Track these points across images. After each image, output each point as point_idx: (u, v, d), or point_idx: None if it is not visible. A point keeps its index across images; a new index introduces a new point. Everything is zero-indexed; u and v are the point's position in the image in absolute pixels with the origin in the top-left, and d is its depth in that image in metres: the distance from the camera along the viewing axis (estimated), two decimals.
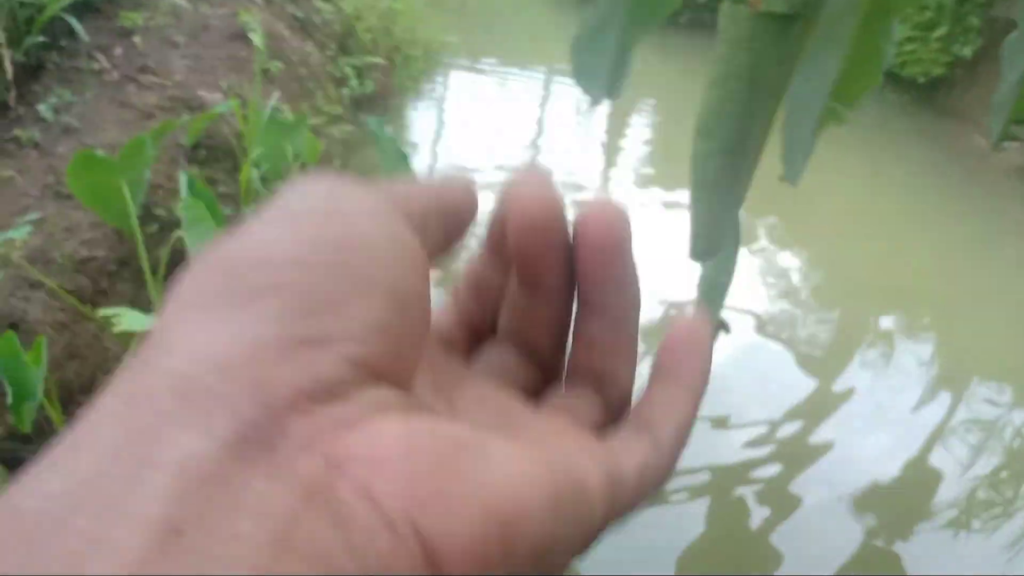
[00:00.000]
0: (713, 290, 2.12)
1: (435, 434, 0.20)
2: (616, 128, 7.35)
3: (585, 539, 0.23)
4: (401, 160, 3.09)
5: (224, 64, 4.16)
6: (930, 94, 7.83)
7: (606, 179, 5.99)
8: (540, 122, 7.07)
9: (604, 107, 7.62)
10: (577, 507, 0.22)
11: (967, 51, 7.24)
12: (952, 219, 5.91)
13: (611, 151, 6.80)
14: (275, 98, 3.41)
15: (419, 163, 5.56)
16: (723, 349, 3.47)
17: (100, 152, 2.49)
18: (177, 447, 0.17)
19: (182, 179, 2.38)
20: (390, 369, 0.21)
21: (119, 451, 0.17)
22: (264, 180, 3.17)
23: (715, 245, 1.96)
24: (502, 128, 6.52)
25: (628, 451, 0.27)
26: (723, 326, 2.34)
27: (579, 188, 5.41)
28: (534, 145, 6.41)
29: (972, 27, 7.41)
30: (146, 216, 2.79)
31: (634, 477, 0.26)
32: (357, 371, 0.20)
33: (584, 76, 2.07)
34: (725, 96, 1.78)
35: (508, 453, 0.21)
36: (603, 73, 2.08)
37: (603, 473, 0.24)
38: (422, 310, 0.24)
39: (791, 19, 1.73)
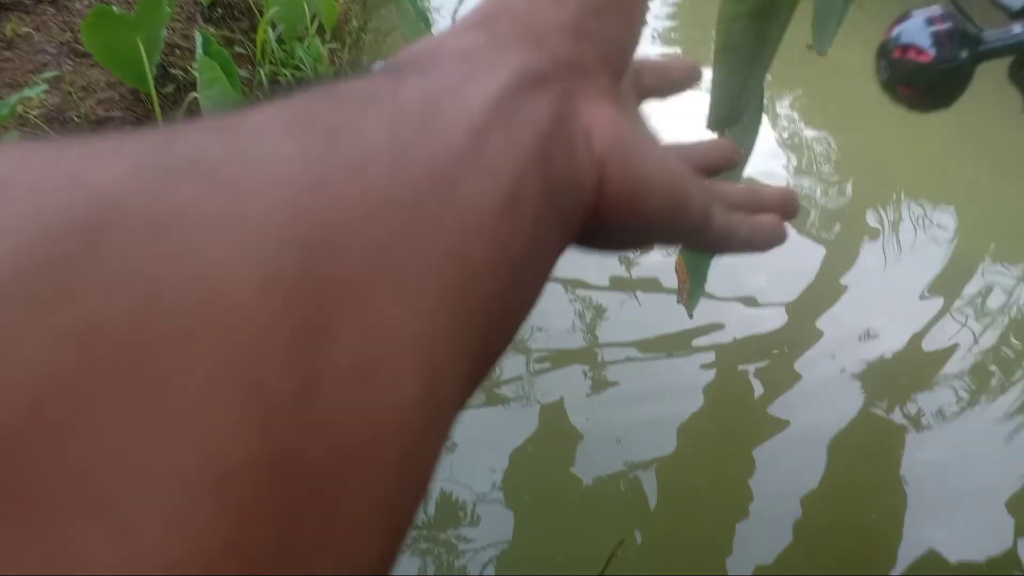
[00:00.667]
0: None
1: (628, 115, 0.29)
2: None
3: (670, 235, 0.33)
4: (422, 21, 3.02)
5: None
6: None
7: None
8: None
9: None
10: (677, 208, 0.30)
11: None
12: (992, 98, 5.70)
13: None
14: None
15: (442, 23, 5.43)
16: None
17: (116, 9, 2.44)
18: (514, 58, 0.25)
19: (198, 38, 2.35)
20: (617, 67, 0.30)
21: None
22: (280, 40, 3.12)
23: (736, 114, 1.92)
24: None
25: (723, 194, 0.37)
26: None
27: None
28: None
29: None
30: (162, 76, 2.77)
31: (721, 217, 0.34)
32: (604, 63, 0.29)
33: None
34: None
35: (656, 149, 0.30)
36: None
37: (701, 199, 0.32)
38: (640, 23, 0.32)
39: None
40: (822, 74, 5.32)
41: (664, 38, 6.07)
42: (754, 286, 3.45)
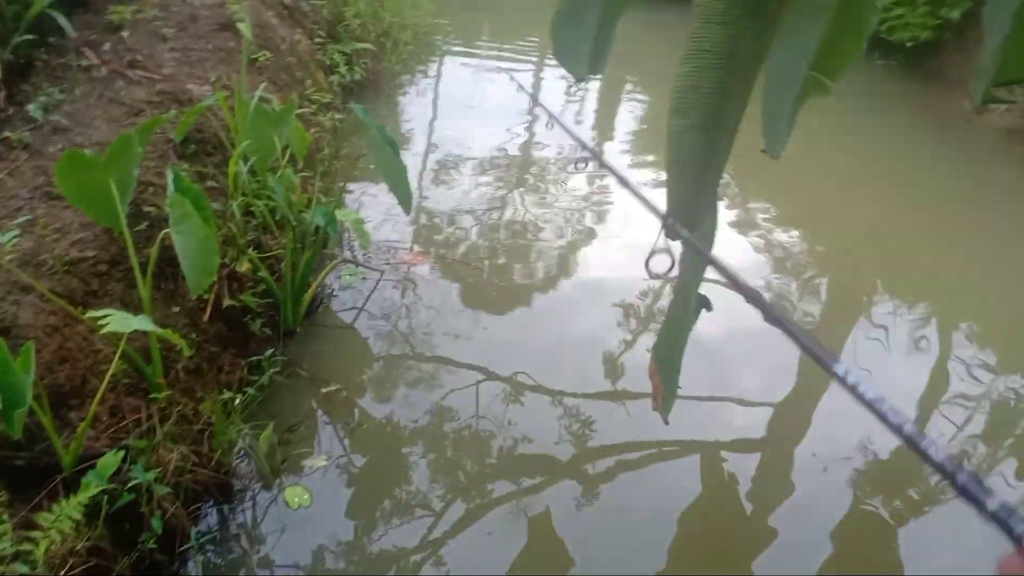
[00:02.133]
0: (694, 269, 2.14)
1: None
2: (608, 105, 7.34)
3: None
4: (389, 147, 3.10)
5: (213, 55, 4.17)
6: (918, 58, 7.79)
7: (600, 155, 5.97)
8: (533, 99, 7.06)
9: (595, 84, 7.62)
10: None
11: (955, 14, 7.20)
12: (942, 183, 5.90)
13: (603, 128, 6.80)
14: (262, 88, 3.42)
15: (415, 146, 5.58)
16: (721, 326, 3.51)
17: (88, 151, 2.51)
18: None
19: (168, 176, 2.40)
20: None
21: None
22: (253, 172, 3.19)
23: (693, 222, 1.97)
24: (495, 107, 6.51)
25: None
26: (705, 304, 2.37)
27: (571, 167, 5.44)
28: (528, 123, 6.40)
29: None
30: (136, 214, 2.82)
31: None
32: None
33: (565, 55, 2.08)
34: (699, 72, 1.78)
35: None
36: (584, 51, 2.09)
37: None
38: None
39: None
40: (788, 172, 5.50)
41: (633, 149, 6.27)
42: (741, 386, 3.46)
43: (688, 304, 2.29)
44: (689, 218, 1.89)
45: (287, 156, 3.39)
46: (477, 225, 4.55)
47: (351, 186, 4.60)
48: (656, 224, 1.60)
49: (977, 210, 5.56)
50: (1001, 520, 0.59)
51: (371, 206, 4.45)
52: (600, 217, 4.85)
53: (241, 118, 3.19)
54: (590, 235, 4.62)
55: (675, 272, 1.59)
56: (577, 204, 4.98)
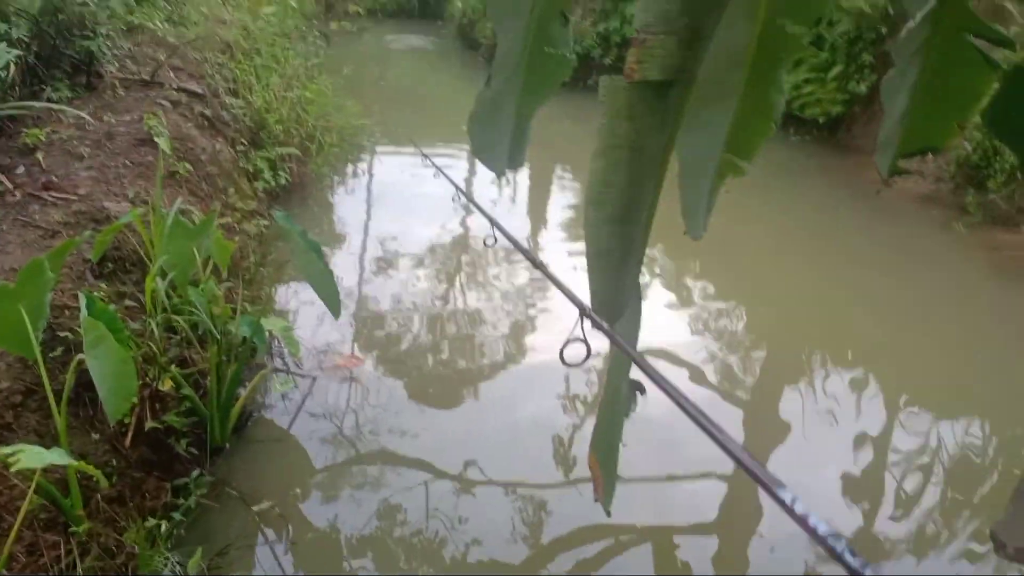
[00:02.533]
0: (621, 358, 2.13)
1: None
2: (539, 192, 7.48)
3: None
4: (313, 252, 3.08)
5: (131, 172, 4.13)
6: (831, 132, 8.15)
7: (534, 246, 6.06)
8: (465, 193, 7.15)
9: (525, 172, 7.77)
10: None
11: (863, 88, 7.58)
12: (861, 251, 6.10)
13: (536, 215, 6.90)
14: (180, 202, 3.39)
15: (351, 244, 5.58)
16: (666, 404, 3.52)
17: None
18: None
19: (81, 299, 2.33)
20: None
21: None
22: (174, 287, 3.12)
23: (616, 311, 1.97)
24: (429, 201, 6.57)
25: None
26: (638, 389, 2.35)
27: (509, 256, 5.49)
28: (460, 216, 6.46)
29: (866, 64, 7.75)
30: (51, 340, 2.72)
31: None
32: None
33: (483, 152, 2.10)
34: (610, 166, 1.80)
35: None
36: (502, 147, 2.11)
37: None
38: None
39: (668, 85, 1.75)
40: (714, 249, 5.63)
41: (568, 234, 6.37)
42: (692, 464, 3.47)
43: (620, 392, 2.28)
44: (612, 308, 1.90)
45: (209, 267, 3.34)
46: (419, 318, 4.55)
47: (286, 290, 4.56)
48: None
49: (900, 274, 5.74)
50: None
51: (307, 309, 4.39)
52: (541, 303, 4.89)
53: (158, 233, 3.14)
54: (532, 321, 4.65)
55: (591, 361, 1.59)
56: (517, 291, 5.02)
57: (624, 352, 1.89)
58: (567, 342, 1.53)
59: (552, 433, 3.57)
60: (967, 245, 6.06)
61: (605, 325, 1.57)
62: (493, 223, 2.36)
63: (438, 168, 3.86)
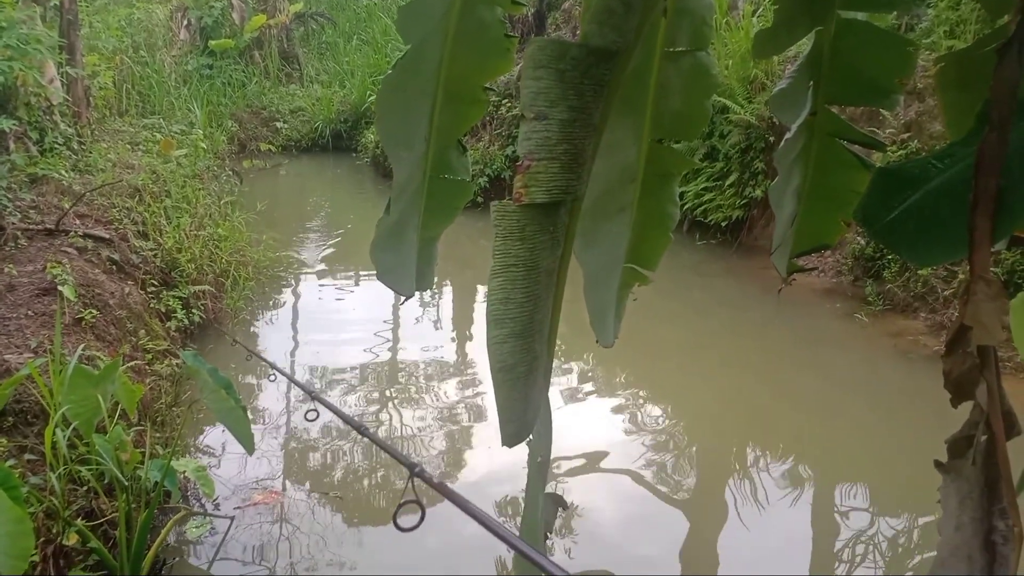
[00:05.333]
0: (537, 473, 2.14)
1: None
2: (463, 311, 7.55)
3: None
4: (222, 388, 3.05)
5: (33, 322, 4.04)
6: (734, 235, 8.52)
7: (464, 368, 6.08)
8: (392, 317, 7.19)
9: (448, 294, 7.86)
10: None
11: (759, 192, 7.98)
12: (774, 345, 6.32)
13: (461, 333, 6.95)
14: (83, 348, 3.33)
15: (269, 377, 5.51)
16: (617, 511, 3.58)
17: None
18: None
19: None
20: None
21: None
22: (79, 437, 3.03)
23: (525, 428, 1.98)
24: (347, 332, 6.57)
25: None
26: (560, 503, 2.35)
27: (441, 375, 5.54)
28: (387, 344, 6.47)
29: (759, 171, 8.21)
30: None
31: None
32: None
33: (388, 275, 2.13)
34: (508, 284, 1.84)
35: None
36: (408, 270, 2.16)
37: None
38: None
39: (556, 206, 1.80)
40: (634, 353, 5.77)
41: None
42: (637, 554, 3.51)
43: (537, 510, 2.27)
44: (521, 424, 1.92)
45: (117, 413, 3.26)
46: (352, 444, 4.51)
47: (211, 428, 4.46)
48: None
49: (813, 364, 5.94)
50: None
51: (234, 446, 4.31)
52: (478, 415, 4.92)
53: (59, 383, 3.06)
54: (468, 436, 4.67)
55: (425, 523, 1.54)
56: (451, 405, 5.05)
57: (462, 508, 1.89)
58: (399, 506, 1.49)
59: (496, 553, 3.53)
60: (871, 333, 6.31)
61: (435, 481, 1.57)
62: (314, 397, 2.35)
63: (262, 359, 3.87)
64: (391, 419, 5.03)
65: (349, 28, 16.81)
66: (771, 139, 8.00)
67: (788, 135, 1.86)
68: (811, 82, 1.72)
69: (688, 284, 7.63)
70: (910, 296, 6.50)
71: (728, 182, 8.43)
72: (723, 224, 8.50)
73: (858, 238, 6.92)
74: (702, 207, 8.60)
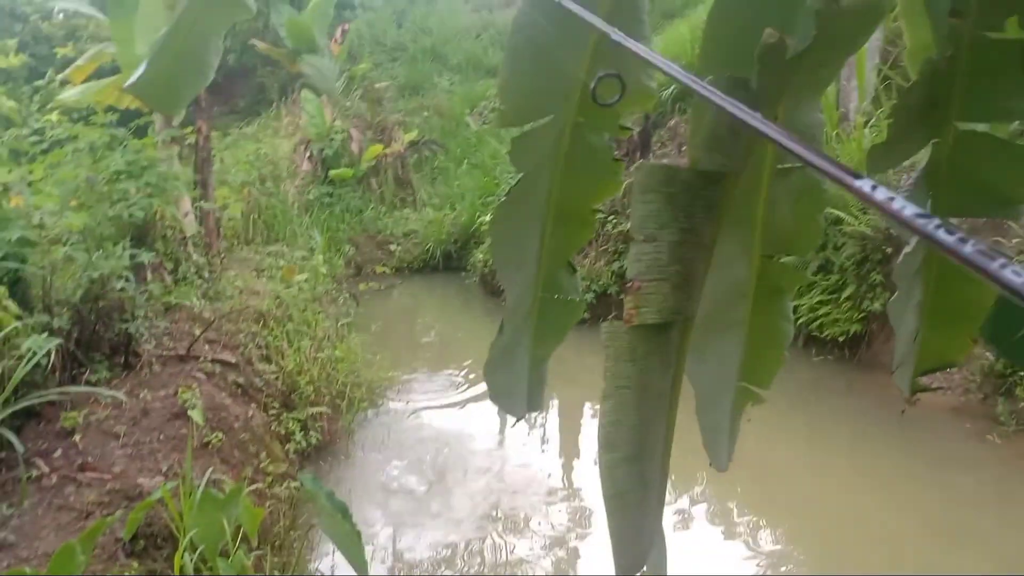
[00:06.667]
0: None
1: None
2: (570, 429, 7.46)
3: None
4: (339, 513, 3.08)
5: (165, 446, 4.22)
6: (852, 350, 8.17)
7: (572, 494, 5.98)
8: (499, 432, 7.19)
9: (555, 412, 7.80)
10: None
11: (876, 306, 7.68)
12: (901, 467, 5.95)
13: (568, 453, 6.85)
14: (210, 472, 3.44)
15: (380, 500, 5.54)
16: None
17: (29, 569, 2.45)
18: None
19: None
20: None
21: None
22: (204, 560, 3.10)
23: (639, 557, 1.93)
24: (455, 452, 6.58)
25: None
26: None
27: (549, 499, 5.46)
28: (490, 463, 6.44)
29: (876, 283, 7.92)
30: None
31: None
32: None
33: (500, 396, 2.15)
34: (619, 407, 1.82)
35: None
36: (519, 392, 2.17)
37: None
38: None
39: (667, 326, 1.79)
40: (751, 474, 5.54)
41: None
42: None
43: None
44: (635, 555, 1.86)
45: (239, 537, 3.33)
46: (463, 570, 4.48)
47: (325, 547, 4.49)
48: None
49: (942, 488, 5.57)
50: None
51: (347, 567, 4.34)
52: (589, 544, 4.82)
53: (188, 507, 3.17)
54: (579, 565, 4.57)
55: None
56: (560, 534, 4.96)
57: None
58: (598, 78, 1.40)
59: None
60: (1004, 455, 5.91)
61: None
62: None
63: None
64: (495, 546, 4.93)
65: (460, 153, 17.47)
66: (888, 251, 7.74)
67: (907, 248, 1.80)
68: (930, 194, 1.68)
69: (805, 402, 7.33)
70: None
71: (844, 295, 8.16)
72: (840, 339, 8.18)
73: (987, 353, 6.55)
74: (817, 321, 8.33)
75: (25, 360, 4.00)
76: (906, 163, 1.76)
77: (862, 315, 7.97)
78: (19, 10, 15.26)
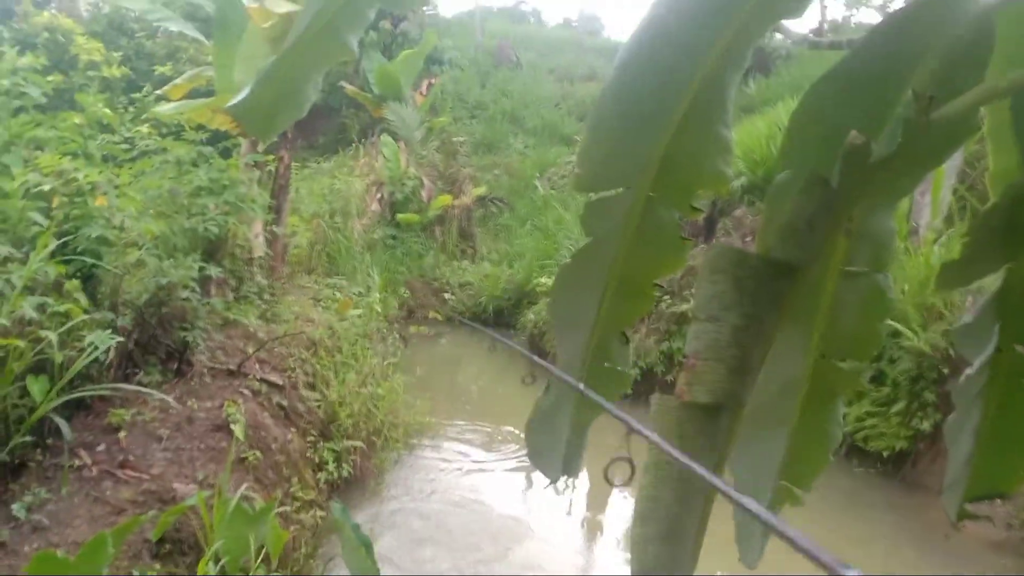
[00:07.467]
0: None
1: None
2: (596, 504, 7.37)
3: None
4: (363, 547, 3.10)
5: (204, 455, 4.31)
6: (896, 467, 7.93)
7: (589, 555, 5.90)
8: (524, 498, 7.13)
9: (585, 486, 7.71)
10: None
11: (926, 425, 7.48)
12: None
13: (592, 526, 6.77)
14: (244, 487, 3.50)
15: (404, 545, 5.53)
16: None
17: (60, 552, 2.51)
18: None
19: None
20: None
21: None
22: (224, 572, 3.14)
23: None
24: (484, 515, 6.55)
25: None
26: None
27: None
28: (518, 532, 6.38)
29: (929, 402, 7.71)
30: None
31: None
32: None
33: (539, 457, 2.16)
34: (658, 482, 1.82)
35: None
36: (557, 454, 2.18)
37: None
38: None
39: (717, 408, 1.79)
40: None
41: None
42: None
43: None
44: None
45: (261, 556, 3.36)
46: None
47: None
48: None
49: None
50: None
51: None
52: None
53: (219, 518, 3.22)
54: None
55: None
56: None
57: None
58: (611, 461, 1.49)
59: None
60: None
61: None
62: None
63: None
64: None
65: (524, 214, 17.70)
66: (945, 371, 7.56)
67: (969, 370, 1.79)
68: (998, 319, 1.67)
69: (842, 510, 7.14)
70: None
71: (894, 410, 7.96)
72: (885, 454, 7.98)
73: None
74: (863, 432, 8.13)
75: (86, 353, 4.13)
76: (972, 285, 1.76)
77: (910, 433, 7.76)
78: (127, 25, 16.03)
